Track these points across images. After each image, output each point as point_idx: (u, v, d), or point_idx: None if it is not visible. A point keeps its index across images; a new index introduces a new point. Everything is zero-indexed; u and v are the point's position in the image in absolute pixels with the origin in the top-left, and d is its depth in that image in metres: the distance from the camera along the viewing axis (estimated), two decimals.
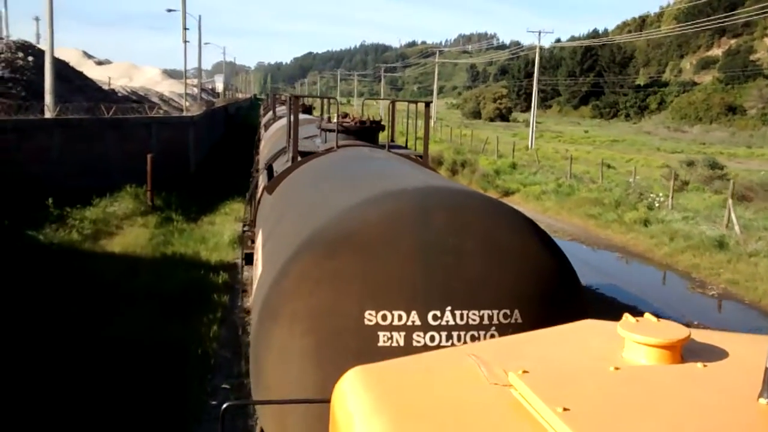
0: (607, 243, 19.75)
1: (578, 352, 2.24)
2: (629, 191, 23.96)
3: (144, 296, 11.64)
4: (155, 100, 60.82)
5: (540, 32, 52.45)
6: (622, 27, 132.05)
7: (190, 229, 18.10)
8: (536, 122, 52.75)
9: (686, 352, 2.10)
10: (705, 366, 2.05)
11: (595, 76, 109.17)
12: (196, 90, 76.57)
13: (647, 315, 2.25)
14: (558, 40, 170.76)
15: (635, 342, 2.09)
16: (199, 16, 56.64)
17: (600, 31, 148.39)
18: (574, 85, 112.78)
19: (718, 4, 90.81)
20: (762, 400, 1.81)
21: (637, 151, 53.94)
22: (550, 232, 19.67)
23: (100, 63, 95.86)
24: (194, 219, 19.47)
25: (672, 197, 22.52)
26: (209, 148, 37.04)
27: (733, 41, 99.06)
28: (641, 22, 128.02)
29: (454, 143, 47.85)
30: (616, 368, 2.03)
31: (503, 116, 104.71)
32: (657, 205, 22.28)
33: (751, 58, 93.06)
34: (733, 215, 19.04)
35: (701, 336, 2.26)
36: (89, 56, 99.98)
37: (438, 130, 61.30)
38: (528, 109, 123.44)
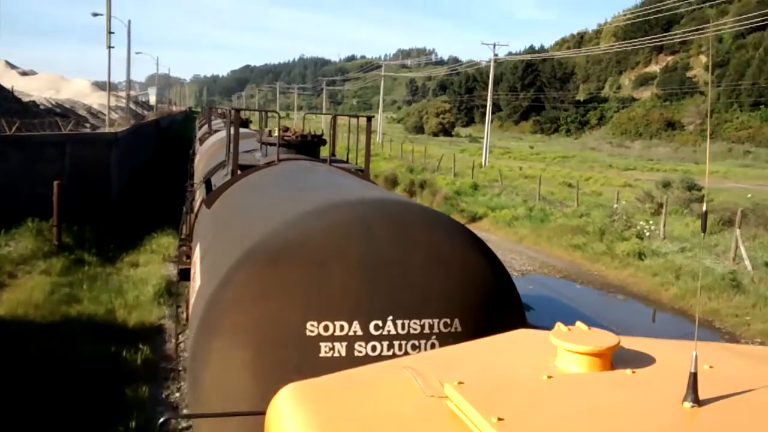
0: (602, 281, 16.98)
1: (512, 361, 2.27)
2: (614, 218, 21.34)
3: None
4: (83, 113, 55.74)
5: (495, 44, 50.25)
6: (561, 43, 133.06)
7: (106, 274, 14.37)
8: (479, 137, 50.43)
9: (616, 359, 2.15)
10: (634, 372, 2.11)
11: (535, 92, 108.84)
12: (124, 102, 71.68)
13: (578, 323, 2.28)
14: (496, 56, 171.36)
15: (567, 350, 2.12)
16: (129, 21, 51.45)
17: (536, 48, 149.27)
18: (515, 101, 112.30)
19: (656, 22, 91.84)
20: (686, 404, 1.87)
21: (589, 168, 52.32)
22: (535, 267, 16.43)
23: (24, 74, 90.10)
24: (112, 260, 15.71)
25: (664, 225, 19.97)
26: (136, 168, 32.86)
27: (670, 58, 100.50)
28: (580, 39, 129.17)
29: (405, 160, 44.89)
30: (549, 377, 2.06)
31: (446, 131, 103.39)
32: (647, 233, 19.68)
33: (688, 74, 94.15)
34: (742, 248, 16.54)
35: (630, 343, 2.32)
36: (12, 66, 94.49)
37: (383, 146, 58.45)
38: (469, 123, 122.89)
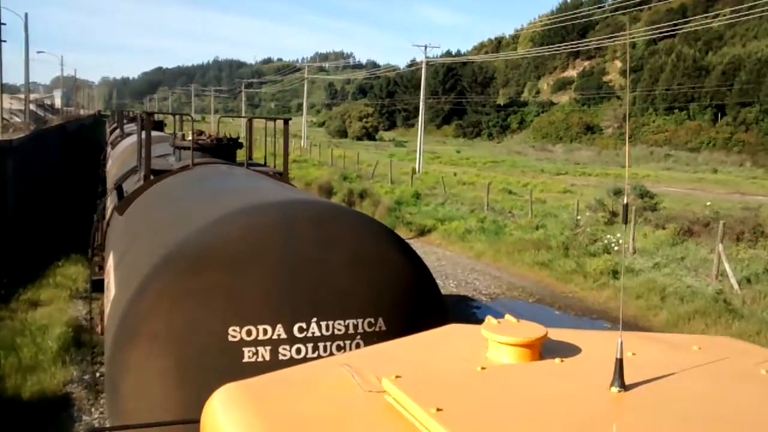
0: (580, 305, 15.20)
1: (447, 354, 2.32)
2: (577, 230, 19.69)
3: None
4: None
5: (426, 46, 48.46)
6: (479, 48, 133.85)
7: None
8: (403, 141, 48.66)
9: (544, 350, 2.22)
10: (562, 361, 2.18)
11: (456, 96, 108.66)
12: (34, 107, 65.88)
13: (507, 316, 2.34)
14: (413, 61, 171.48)
15: (498, 342, 2.19)
16: (26, 14, 45.46)
17: (453, 53, 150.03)
18: (437, 105, 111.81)
19: (572, 27, 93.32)
20: (613, 389, 1.94)
21: (521, 173, 51.19)
22: (503, 289, 14.28)
23: None
24: (5, 298, 12.68)
25: (633, 239, 18.44)
26: (39, 178, 28.98)
27: (586, 63, 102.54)
28: (497, 44, 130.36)
29: (336, 167, 42.34)
30: (483, 368, 2.12)
31: (370, 135, 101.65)
32: (615, 248, 18.10)
33: (605, 79, 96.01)
34: (726, 265, 15.09)
35: (557, 334, 2.39)
36: None
37: (311, 151, 55.78)
38: (392, 127, 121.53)
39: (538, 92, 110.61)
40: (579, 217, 21.24)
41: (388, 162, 39.90)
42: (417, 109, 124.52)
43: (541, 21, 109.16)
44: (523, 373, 2.12)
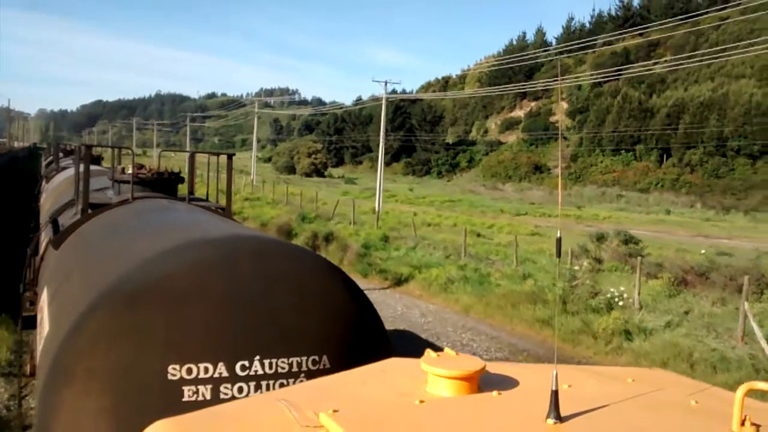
0: None
1: (385, 388, 2.32)
2: (575, 282, 17.77)
3: None
4: None
5: (386, 82, 46.78)
6: (427, 87, 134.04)
7: None
8: (353, 178, 46.40)
9: (482, 383, 2.25)
10: (500, 394, 2.21)
11: (405, 133, 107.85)
12: None
13: (447, 349, 2.38)
14: (359, 98, 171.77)
15: (436, 375, 2.21)
16: None
17: (398, 91, 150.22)
18: (386, 142, 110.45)
19: (519, 69, 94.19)
20: (549, 421, 1.96)
21: (481, 213, 49.45)
22: (505, 353, 12.07)
23: None
24: None
25: (639, 293, 16.63)
26: None
27: (533, 104, 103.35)
28: (445, 83, 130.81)
29: (292, 205, 39.86)
30: (421, 401, 2.13)
31: (319, 171, 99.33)
32: (619, 302, 16.25)
33: (551, 119, 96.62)
34: (754, 325, 13.34)
35: (495, 368, 2.43)
36: None
37: (263, 187, 52.88)
38: (339, 164, 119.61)
39: (486, 131, 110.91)
40: (577, 267, 19.31)
41: (344, 200, 37.66)
42: (365, 146, 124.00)
43: (487, 62, 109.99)
44: (461, 406, 2.12)
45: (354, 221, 32.06)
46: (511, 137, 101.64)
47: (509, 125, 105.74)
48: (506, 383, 2.32)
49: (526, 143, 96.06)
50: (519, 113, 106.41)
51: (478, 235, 31.23)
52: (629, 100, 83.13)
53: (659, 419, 2.09)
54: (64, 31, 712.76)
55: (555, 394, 1.97)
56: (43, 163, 30.46)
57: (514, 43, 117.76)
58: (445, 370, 2.19)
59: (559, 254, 2.53)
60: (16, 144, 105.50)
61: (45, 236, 8.34)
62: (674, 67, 76.23)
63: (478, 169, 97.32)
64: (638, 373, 2.62)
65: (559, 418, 1.97)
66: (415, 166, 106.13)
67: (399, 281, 20.24)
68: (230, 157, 8.18)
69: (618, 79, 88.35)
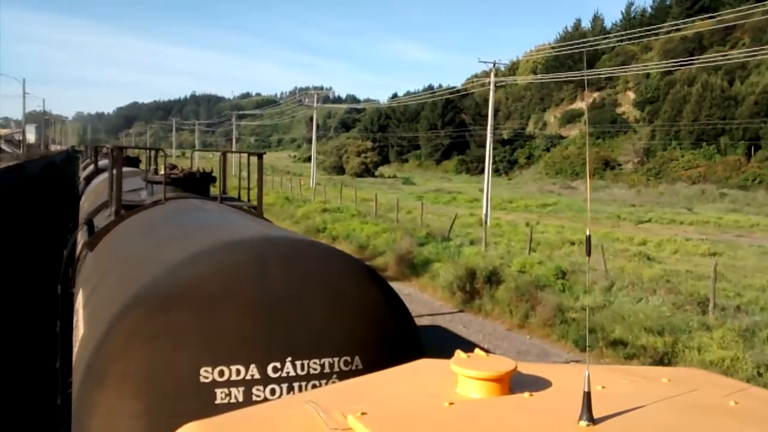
0: None
1: (414, 390, 2.31)
2: None
3: None
4: None
5: (495, 63, 40.00)
6: (473, 80, 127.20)
7: None
8: (409, 178, 39.44)
9: (514, 384, 2.23)
10: (531, 395, 2.18)
11: (455, 129, 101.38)
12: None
13: (477, 350, 2.36)
14: (395, 95, 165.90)
15: (467, 377, 2.19)
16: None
17: (435, 87, 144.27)
18: (435, 139, 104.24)
19: (580, 58, 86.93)
20: (582, 423, 1.93)
21: (594, 220, 40.97)
22: None
23: None
24: None
25: None
26: None
27: (596, 94, 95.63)
28: (495, 76, 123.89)
29: (385, 218, 32.48)
30: (451, 403, 2.12)
31: (369, 171, 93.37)
32: None
33: (618, 111, 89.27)
34: None
35: (527, 368, 2.40)
36: None
37: (319, 192, 46.69)
38: (384, 162, 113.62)
39: (544, 125, 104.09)
40: None
41: (434, 209, 31.06)
42: (411, 143, 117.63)
43: (543, 50, 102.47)
44: (491, 407, 2.12)
45: (471, 239, 25.20)
46: (573, 131, 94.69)
47: (570, 118, 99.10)
48: (538, 384, 2.29)
49: (592, 137, 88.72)
50: (581, 105, 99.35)
51: (648, 258, 23.97)
52: (710, 89, 75.32)
53: (696, 421, 2.05)
54: (100, 35, 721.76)
55: (587, 396, 1.95)
56: (81, 166, 30.69)
57: (569, 30, 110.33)
58: (476, 371, 2.18)
59: (588, 252, 2.42)
60: (55, 147, 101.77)
61: (81, 237, 8.41)
62: (755, 52, 68.29)
63: (539, 166, 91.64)
64: (673, 372, 2.56)
65: (592, 420, 1.94)
66: (470, 163, 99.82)
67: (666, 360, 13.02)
68: (260, 156, 8.15)
69: (690, 66, 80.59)
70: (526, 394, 2.18)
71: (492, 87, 40.05)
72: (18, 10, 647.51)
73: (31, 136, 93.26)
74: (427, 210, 31.98)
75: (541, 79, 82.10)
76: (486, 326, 16.15)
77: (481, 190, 66.99)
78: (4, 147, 71.63)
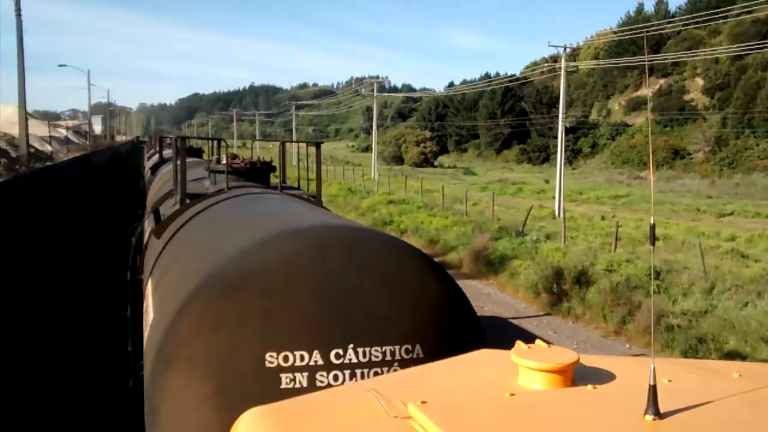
0: None
1: (475, 380, 2.31)
2: None
3: None
4: (2, 144, 42.25)
5: (565, 47, 38.95)
6: (533, 68, 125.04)
7: None
8: (469, 168, 38.33)
9: (577, 376, 2.20)
10: (594, 388, 2.15)
11: (515, 117, 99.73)
12: (64, 132, 58.86)
13: (538, 341, 2.35)
14: (451, 84, 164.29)
15: (528, 368, 2.17)
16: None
17: (491, 75, 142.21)
18: (495, 128, 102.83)
19: (643, 43, 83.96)
20: (648, 417, 1.90)
21: (672, 212, 39.01)
22: None
23: None
24: None
25: None
26: (36, 236, 20.20)
27: (662, 81, 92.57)
28: (554, 62, 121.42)
29: (452, 210, 31.00)
30: (512, 394, 2.10)
31: (428, 161, 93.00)
32: None
33: (686, 98, 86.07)
34: None
35: (590, 360, 2.38)
36: None
37: (380, 182, 46.39)
38: (442, 152, 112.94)
39: (608, 113, 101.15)
40: None
41: (500, 201, 29.85)
42: (470, 132, 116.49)
43: (604, 35, 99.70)
44: (554, 399, 2.09)
45: (547, 236, 23.41)
46: (639, 119, 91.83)
47: (636, 105, 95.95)
48: (601, 377, 2.25)
49: (659, 125, 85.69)
50: (646, 92, 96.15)
51: (742, 255, 21.64)
52: None
53: None
54: (161, 28, 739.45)
55: (653, 389, 1.91)
56: (146, 156, 31.18)
57: (632, 14, 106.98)
58: (537, 362, 2.15)
59: (653, 242, 2.33)
60: (117, 138, 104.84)
61: (148, 225, 8.64)
62: None
63: (604, 155, 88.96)
64: (745, 367, 2.48)
65: (658, 415, 1.90)
66: (531, 152, 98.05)
67: None
68: (318, 145, 8.25)
69: (763, 50, 77.06)
70: (590, 387, 2.15)
71: (563, 72, 38.81)
72: (83, 6, 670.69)
73: (97, 127, 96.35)
74: (499, 203, 31.06)
75: (615, 63, 79.43)
76: (578, 332, 15.04)
77: (547, 181, 65.51)
78: (72, 137, 74.13)
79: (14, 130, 57.35)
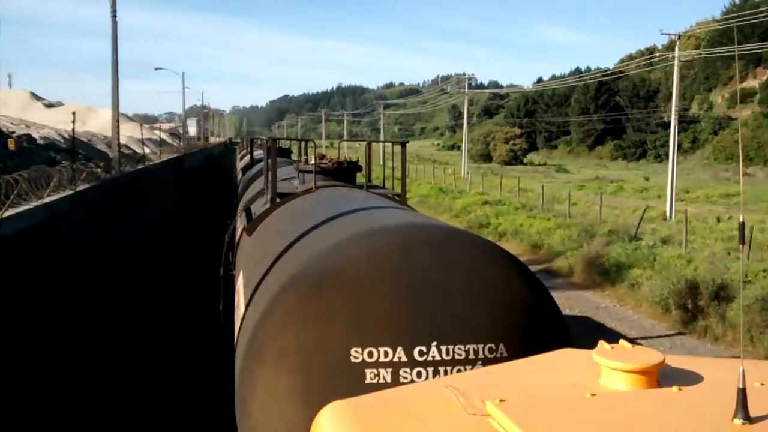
0: None
1: (555, 379, 2.29)
2: None
3: None
4: (102, 147, 44.68)
5: (678, 35, 36.19)
6: (628, 60, 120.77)
7: None
8: (562, 166, 36.19)
9: (662, 377, 2.16)
10: (680, 389, 2.11)
11: (608, 112, 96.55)
12: (159, 134, 61.14)
13: (622, 341, 2.31)
14: (540, 80, 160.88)
15: (611, 368, 2.14)
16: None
17: (582, 70, 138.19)
18: (587, 123, 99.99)
19: (751, 31, 79.10)
20: (737, 421, 1.85)
21: None
22: None
23: (50, 105, 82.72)
24: None
25: None
26: (125, 247, 20.59)
27: None
28: (650, 55, 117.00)
29: (523, 200, 30.83)
30: (593, 395, 2.08)
31: (517, 158, 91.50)
32: None
33: None
34: None
35: (676, 361, 2.33)
36: (38, 98, 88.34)
37: (465, 181, 45.80)
38: (531, 149, 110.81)
39: (710, 106, 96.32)
40: None
41: (590, 198, 28.50)
42: (560, 128, 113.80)
43: (705, 24, 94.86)
44: (637, 401, 2.05)
45: (662, 240, 20.93)
46: (745, 111, 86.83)
47: (741, 98, 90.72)
48: (688, 378, 2.19)
49: (766, 118, 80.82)
50: (752, 83, 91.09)
51: None
52: None
53: None
54: (252, 32, 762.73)
55: (743, 392, 1.86)
56: (238, 157, 32.04)
57: (737, 2, 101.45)
58: (621, 362, 2.12)
59: (742, 240, 2.24)
60: (210, 139, 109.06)
61: (240, 223, 8.98)
62: None
63: (705, 150, 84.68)
64: None
65: (748, 419, 1.84)
66: (627, 148, 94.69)
67: None
68: (403, 145, 8.44)
69: None
70: (675, 388, 2.10)
71: (676, 61, 35.75)
72: (178, 12, 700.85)
73: (192, 129, 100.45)
74: (594, 201, 29.15)
75: (729, 51, 75.26)
76: (720, 356, 13.00)
77: (647, 178, 62.57)
78: (167, 139, 77.24)
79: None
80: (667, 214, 30.25)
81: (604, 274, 18.23)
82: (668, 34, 37.44)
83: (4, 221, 9.35)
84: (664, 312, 15.22)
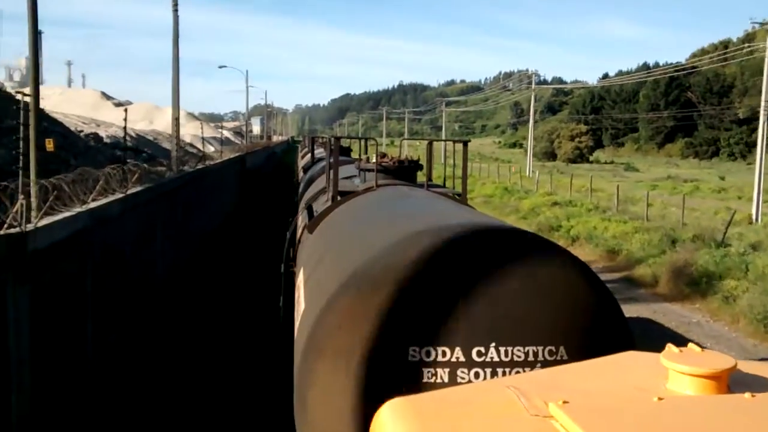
0: None
1: (620, 382, 2.26)
2: None
3: None
4: (166, 146, 45.87)
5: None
6: (700, 55, 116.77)
7: None
8: (630, 164, 33.78)
9: (733, 383, 2.11)
10: (753, 396, 2.06)
11: (679, 109, 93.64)
12: (225, 133, 61.90)
13: (691, 345, 2.26)
14: (606, 75, 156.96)
15: (679, 372, 2.11)
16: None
17: (650, 65, 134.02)
18: (656, 120, 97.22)
19: None
20: None
21: None
22: None
23: (119, 104, 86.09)
24: None
25: None
26: (187, 252, 19.75)
27: None
28: (724, 48, 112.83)
29: (594, 200, 28.86)
30: (660, 398, 2.05)
31: (583, 156, 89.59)
32: None
33: None
34: None
35: (748, 367, 2.26)
36: (108, 97, 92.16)
37: (531, 180, 44.53)
38: (597, 146, 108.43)
39: None
40: None
41: (674, 201, 25.95)
42: (627, 125, 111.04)
43: None
44: (706, 406, 2.01)
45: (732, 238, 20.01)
46: None
47: None
48: (761, 384, 2.12)
49: None
50: None
51: None
52: None
53: None
54: (315, 32, 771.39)
55: None
56: (300, 155, 32.11)
57: None
58: (690, 366, 2.07)
59: None
60: (273, 138, 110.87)
61: (301, 221, 9.08)
62: None
63: None
64: None
65: None
66: (699, 146, 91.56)
67: None
68: (465, 143, 8.43)
69: None
70: (747, 395, 2.04)
71: None
72: (242, 13, 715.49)
73: (255, 128, 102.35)
74: (669, 202, 27.86)
75: None
76: None
77: (722, 178, 59.36)
78: (232, 138, 78.52)
79: (180, 132, 61.87)
80: (753, 217, 28.38)
81: (693, 284, 16.70)
82: (758, 23, 34.79)
83: (39, 231, 8.12)
84: (766, 331, 13.89)
